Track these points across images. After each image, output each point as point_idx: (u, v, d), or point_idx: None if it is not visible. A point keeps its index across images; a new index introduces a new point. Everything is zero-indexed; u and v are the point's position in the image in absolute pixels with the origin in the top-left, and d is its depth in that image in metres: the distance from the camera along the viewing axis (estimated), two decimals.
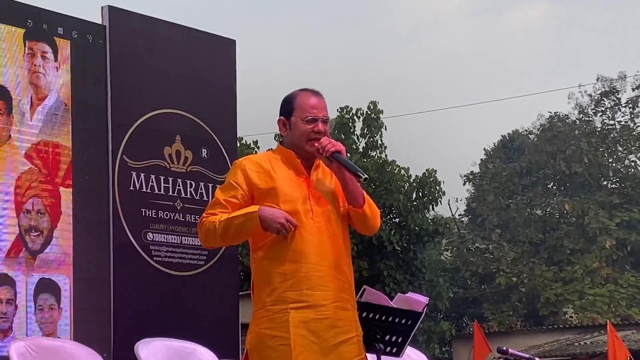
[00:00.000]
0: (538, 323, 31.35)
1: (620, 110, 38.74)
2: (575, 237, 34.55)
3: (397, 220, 24.71)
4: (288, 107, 4.36)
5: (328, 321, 4.18)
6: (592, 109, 39.32)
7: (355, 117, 25.89)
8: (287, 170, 4.31)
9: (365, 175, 4.21)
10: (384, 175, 24.46)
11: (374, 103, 25.92)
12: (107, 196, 8.13)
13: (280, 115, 4.38)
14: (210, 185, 8.82)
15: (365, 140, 26.04)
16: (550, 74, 60.23)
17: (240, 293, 9.30)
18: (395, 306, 5.44)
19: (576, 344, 25.80)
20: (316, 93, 4.39)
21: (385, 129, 25.97)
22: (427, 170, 25.06)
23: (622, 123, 38.50)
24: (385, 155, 25.72)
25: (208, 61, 9.08)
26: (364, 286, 5.34)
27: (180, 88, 8.80)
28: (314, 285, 4.18)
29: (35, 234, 7.64)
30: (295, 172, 4.31)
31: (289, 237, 4.18)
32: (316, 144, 4.27)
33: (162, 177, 8.51)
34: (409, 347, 5.80)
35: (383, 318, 5.32)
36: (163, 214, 8.46)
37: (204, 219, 4.34)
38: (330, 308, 4.20)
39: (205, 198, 8.75)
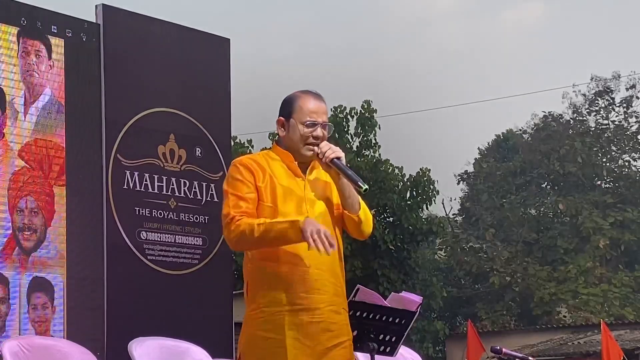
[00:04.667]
0: (532, 322, 31.37)
1: (614, 110, 38.80)
2: (569, 237, 34.60)
3: (391, 219, 24.72)
4: (288, 108, 4.33)
5: (322, 324, 4.17)
6: (586, 109, 39.38)
7: (349, 117, 25.91)
8: (284, 172, 4.28)
9: (366, 186, 4.16)
10: (377, 174, 24.47)
11: (368, 102, 25.95)
12: (100, 195, 8.13)
13: (279, 115, 4.35)
14: (204, 184, 8.82)
15: (359, 139, 26.06)
16: (545, 73, 60.35)
17: (233, 292, 9.31)
18: (389, 305, 5.43)
19: (570, 343, 25.82)
20: (318, 97, 4.35)
21: (379, 128, 26.02)
22: (421, 169, 25.08)
23: (616, 123, 38.57)
24: (379, 155, 25.75)
25: (202, 60, 9.08)
26: (358, 285, 5.33)
27: (174, 87, 8.80)
28: (309, 289, 4.16)
29: (29, 232, 7.64)
30: (292, 173, 4.30)
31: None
32: (316, 149, 4.24)
33: (156, 176, 8.50)
34: (402, 346, 5.80)
35: (377, 317, 5.31)
36: (157, 213, 8.46)
37: (237, 219, 4.13)
38: (324, 312, 4.18)
39: (199, 197, 8.75)
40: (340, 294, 4.29)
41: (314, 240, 3.99)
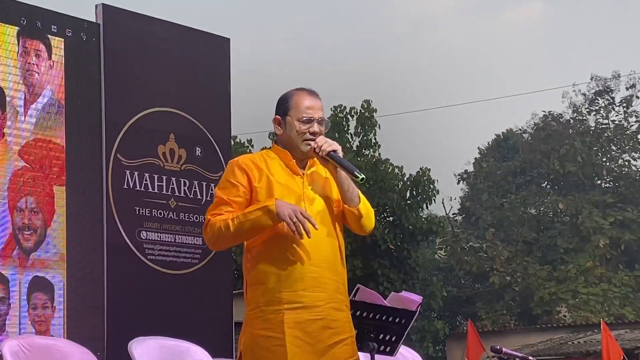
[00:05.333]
0: (532, 322, 31.38)
1: (614, 109, 38.81)
2: (569, 236, 34.60)
3: (391, 219, 24.70)
4: (284, 106, 4.34)
5: (322, 322, 4.17)
6: (586, 108, 39.39)
7: (349, 116, 25.90)
8: (282, 170, 4.29)
9: (362, 175, 4.17)
10: (377, 174, 24.46)
11: (368, 102, 25.94)
12: (100, 194, 8.13)
13: (275, 114, 4.37)
14: (204, 183, 8.82)
15: (359, 138, 26.04)
16: (545, 73, 60.33)
17: (234, 292, 9.31)
18: (389, 305, 5.43)
19: (570, 343, 25.83)
20: (312, 93, 4.37)
21: (379, 128, 26.01)
22: (421, 169, 25.07)
23: (616, 122, 38.58)
24: (379, 154, 25.73)
25: (202, 60, 9.08)
26: (358, 285, 5.33)
27: (174, 86, 8.80)
28: (308, 286, 4.16)
29: (29, 232, 7.63)
30: (290, 171, 4.30)
31: (283, 237, 4.17)
32: (312, 143, 4.25)
33: (156, 176, 8.50)
34: (402, 346, 5.80)
35: (377, 317, 5.32)
36: (157, 213, 8.46)
37: (212, 220, 4.20)
38: (325, 309, 4.18)
39: (199, 196, 8.75)
40: (341, 291, 4.29)
41: (294, 224, 4.04)
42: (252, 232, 4.16)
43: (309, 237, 4.08)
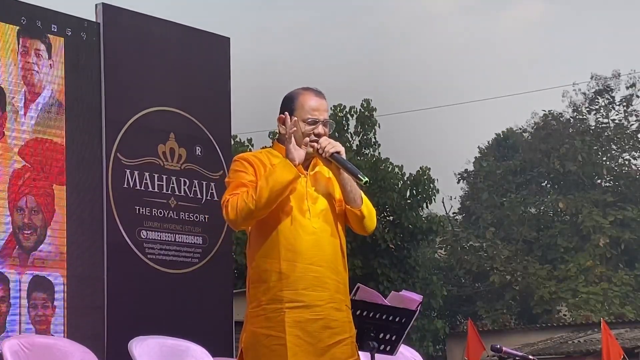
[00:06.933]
0: (532, 321, 31.37)
1: (614, 108, 38.78)
2: (569, 235, 34.58)
3: (391, 218, 24.70)
4: (289, 105, 4.33)
5: (323, 322, 4.17)
6: (586, 108, 39.36)
7: (348, 115, 25.92)
8: None
9: (366, 178, 4.16)
10: (377, 173, 24.46)
11: (367, 101, 25.96)
12: (101, 194, 8.13)
13: (280, 113, 4.36)
14: (204, 183, 8.82)
15: (359, 138, 26.06)
16: (545, 72, 60.28)
17: (234, 291, 9.31)
18: (389, 304, 5.44)
19: (570, 342, 25.83)
20: (318, 94, 4.36)
21: (379, 127, 26.02)
22: (421, 168, 25.08)
23: (616, 121, 38.54)
24: (379, 153, 25.75)
25: (202, 59, 9.08)
26: (358, 284, 5.34)
27: (174, 86, 8.80)
28: (309, 285, 4.17)
29: (29, 231, 7.64)
30: None
31: (286, 235, 4.17)
32: (315, 145, 4.25)
33: (156, 175, 8.51)
34: (403, 345, 5.80)
35: (377, 316, 5.33)
36: (157, 212, 8.46)
37: (231, 199, 4.15)
38: (325, 308, 4.18)
39: (199, 196, 8.75)
40: (342, 291, 4.28)
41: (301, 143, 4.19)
42: (276, 194, 4.10)
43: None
